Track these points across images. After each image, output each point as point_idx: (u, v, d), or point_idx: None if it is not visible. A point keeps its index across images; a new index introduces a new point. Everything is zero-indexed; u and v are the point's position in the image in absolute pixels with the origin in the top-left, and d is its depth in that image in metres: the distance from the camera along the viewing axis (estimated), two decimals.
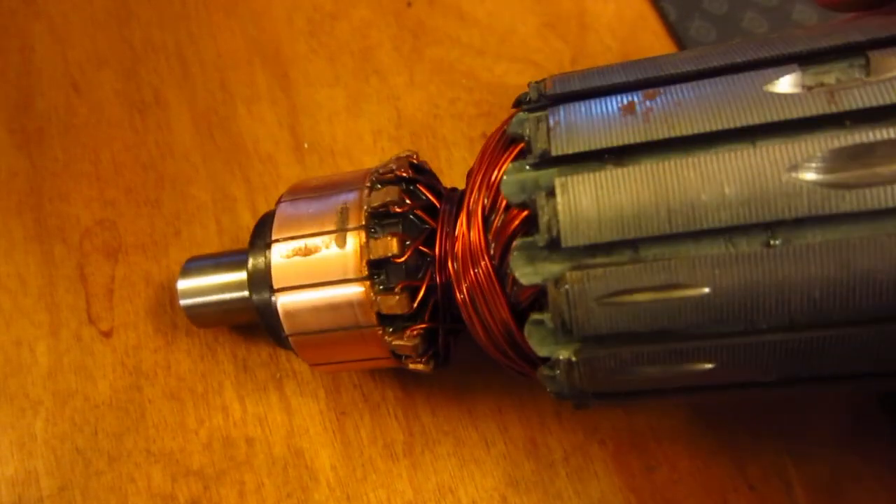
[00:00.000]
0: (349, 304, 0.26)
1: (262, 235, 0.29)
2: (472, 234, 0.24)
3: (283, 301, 0.27)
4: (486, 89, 0.38)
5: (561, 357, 0.22)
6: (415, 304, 0.26)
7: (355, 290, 0.26)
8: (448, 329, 0.28)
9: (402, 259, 0.26)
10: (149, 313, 0.34)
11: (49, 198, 0.37)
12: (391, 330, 0.27)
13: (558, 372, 0.23)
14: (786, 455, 0.30)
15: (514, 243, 0.22)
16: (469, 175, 0.26)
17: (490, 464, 0.31)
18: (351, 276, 0.26)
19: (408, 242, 0.26)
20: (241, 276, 0.30)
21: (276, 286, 0.27)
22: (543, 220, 0.21)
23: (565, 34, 0.39)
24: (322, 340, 0.27)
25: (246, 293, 0.29)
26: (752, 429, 0.31)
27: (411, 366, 0.28)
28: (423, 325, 0.26)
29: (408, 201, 0.27)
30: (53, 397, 0.33)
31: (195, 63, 0.40)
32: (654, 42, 0.37)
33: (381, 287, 0.26)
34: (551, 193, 0.21)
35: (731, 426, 0.31)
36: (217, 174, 0.37)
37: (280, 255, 0.27)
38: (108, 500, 0.31)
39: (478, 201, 0.24)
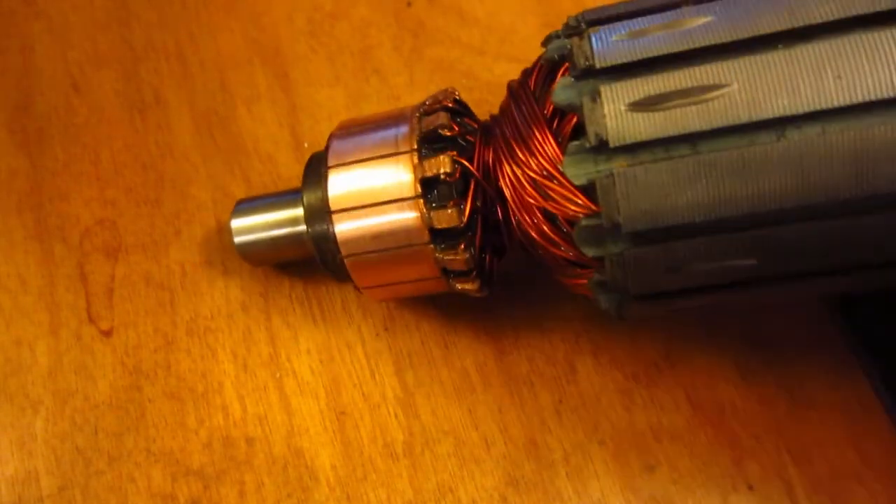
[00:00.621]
0: (403, 223, 0.28)
1: (315, 170, 0.30)
2: (525, 133, 0.26)
3: (339, 224, 0.28)
4: (486, 89, 0.38)
5: (612, 251, 0.24)
6: (464, 218, 0.27)
7: (409, 208, 0.28)
8: (494, 248, 0.29)
9: (454, 177, 0.27)
10: (149, 313, 0.34)
11: (49, 197, 0.37)
12: (442, 246, 0.28)
13: (610, 266, 0.24)
14: (786, 455, 0.30)
15: (567, 148, 0.24)
16: (510, 100, 0.28)
17: (490, 463, 0.31)
18: (406, 195, 0.28)
19: (456, 164, 0.28)
20: (296, 211, 0.31)
21: (333, 208, 0.28)
22: (590, 124, 0.23)
23: None
24: (376, 260, 0.29)
25: (301, 227, 0.31)
26: (752, 429, 0.31)
27: (459, 286, 0.29)
28: (473, 238, 0.28)
29: (455, 126, 0.28)
30: (53, 397, 0.33)
31: (195, 63, 0.40)
32: None
33: (433, 204, 0.28)
34: (594, 99, 0.23)
35: (731, 426, 0.31)
36: (217, 174, 0.37)
37: (336, 180, 0.29)
38: (108, 499, 0.31)
39: (527, 116, 0.26)
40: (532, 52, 0.40)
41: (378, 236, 0.28)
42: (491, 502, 0.30)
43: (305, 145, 0.37)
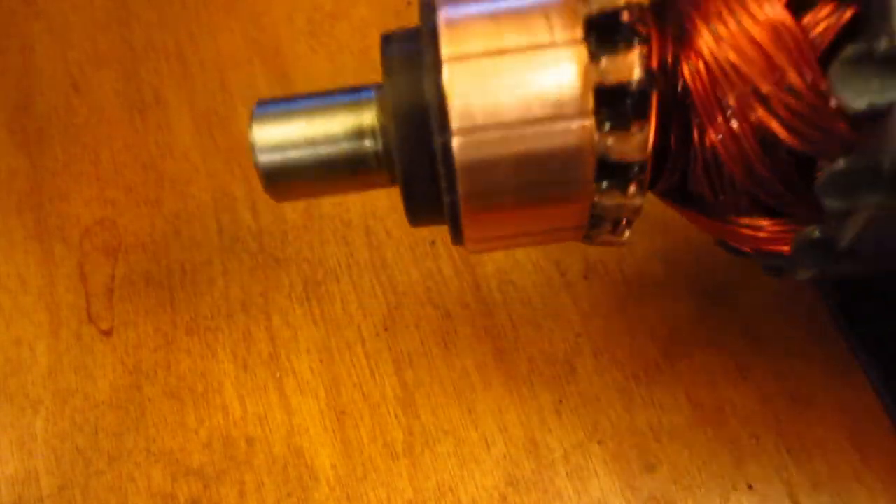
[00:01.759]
0: (562, 150, 0.19)
1: (409, 58, 0.20)
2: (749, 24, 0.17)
3: (464, 147, 0.19)
4: None
5: (867, 203, 0.16)
6: (650, 147, 0.19)
7: (575, 130, 0.19)
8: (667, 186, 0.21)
9: (642, 86, 0.18)
10: (149, 312, 0.34)
11: (49, 197, 0.37)
12: (606, 185, 0.20)
13: (854, 223, 0.17)
14: (786, 455, 0.30)
15: (842, 54, 0.16)
16: None
17: (490, 463, 0.31)
18: (569, 110, 0.19)
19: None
20: (363, 117, 0.21)
21: (456, 125, 0.19)
22: None
23: None
24: (507, 202, 0.20)
25: (372, 142, 0.21)
26: (752, 428, 0.31)
27: (604, 238, 0.22)
28: (645, 172, 0.19)
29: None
30: (53, 396, 0.33)
31: (195, 63, 0.40)
32: None
33: (608, 125, 0.19)
34: None
35: (731, 426, 0.31)
36: (217, 174, 0.37)
37: (458, 80, 0.19)
38: (109, 499, 0.31)
39: None
40: None
41: (519, 169, 0.19)
42: (491, 502, 0.30)
43: None
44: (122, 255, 0.36)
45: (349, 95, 0.22)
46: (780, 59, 0.17)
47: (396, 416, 0.32)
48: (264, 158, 0.22)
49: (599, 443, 0.31)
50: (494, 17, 0.19)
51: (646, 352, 0.32)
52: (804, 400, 0.31)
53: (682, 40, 0.19)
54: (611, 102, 0.19)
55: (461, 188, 0.20)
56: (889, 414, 0.30)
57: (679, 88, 0.19)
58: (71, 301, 0.35)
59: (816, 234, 0.19)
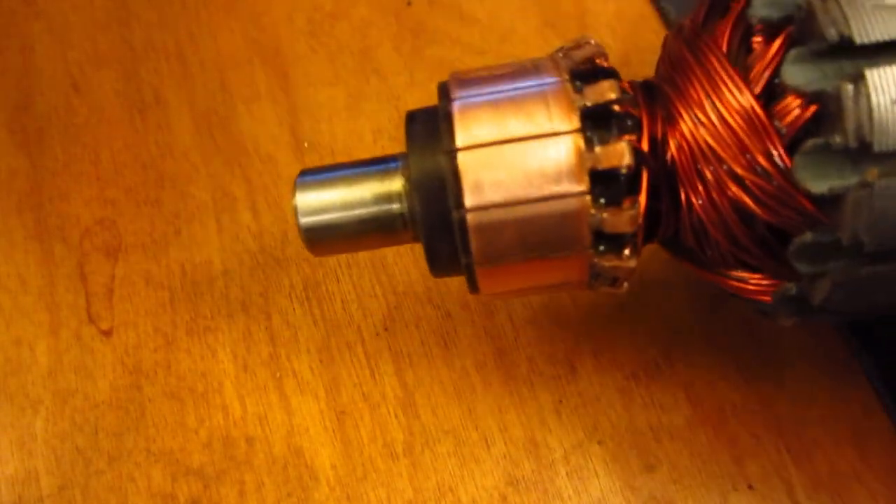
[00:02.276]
0: (561, 223, 0.22)
1: (431, 138, 0.23)
2: (731, 114, 0.20)
3: (476, 219, 0.22)
4: None
5: (833, 269, 0.19)
6: (640, 220, 0.22)
7: (573, 206, 0.22)
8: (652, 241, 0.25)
9: (631, 170, 0.21)
10: (149, 312, 0.34)
11: (49, 197, 0.37)
12: (602, 250, 0.23)
13: (824, 284, 0.20)
14: (786, 455, 0.30)
15: (803, 146, 0.19)
16: (675, 67, 0.22)
17: (490, 463, 0.31)
18: (568, 190, 0.22)
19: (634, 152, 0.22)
20: (390, 185, 0.24)
21: (469, 204, 0.22)
22: (849, 119, 0.18)
23: (565, 34, 0.39)
24: (515, 265, 0.23)
25: (398, 205, 0.24)
26: (752, 428, 0.31)
27: (604, 290, 0.25)
28: (637, 238, 0.22)
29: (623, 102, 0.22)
30: (53, 396, 0.33)
31: (195, 63, 0.40)
32: (655, 42, 0.37)
33: (602, 202, 0.22)
34: (857, 86, 0.18)
35: (731, 426, 0.31)
36: (217, 174, 0.37)
37: (471, 164, 0.22)
38: (108, 499, 0.31)
39: (722, 83, 0.20)
40: (532, 51, 0.40)
41: (524, 239, 0.22)
42: (491, 502, 0.30)
43: (305, 145, 0.37)
44: (122, 255, 0.36)
45: (378, 166, 0.25)
46: (751, 144, 0.20)
47: (396, 416, 0.32)
48: (306, 220, 0.25)
49: (599, 443, 0.31)
50: (501, 106, 0.23)
51: (646, 352, 0.32)
52: (804, 400, 0.31)
53: (670, 120, 0.22)
54: (604, 182, 0.22)
55: (475, 251, 0.23)
56: (889, 414, 0.30)
57: (668, 160, 0.22)
58: (71, 301, 0.35)
59: (793, 291, 0.21)
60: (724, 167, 0.21)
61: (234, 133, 0.38)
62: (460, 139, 0.22)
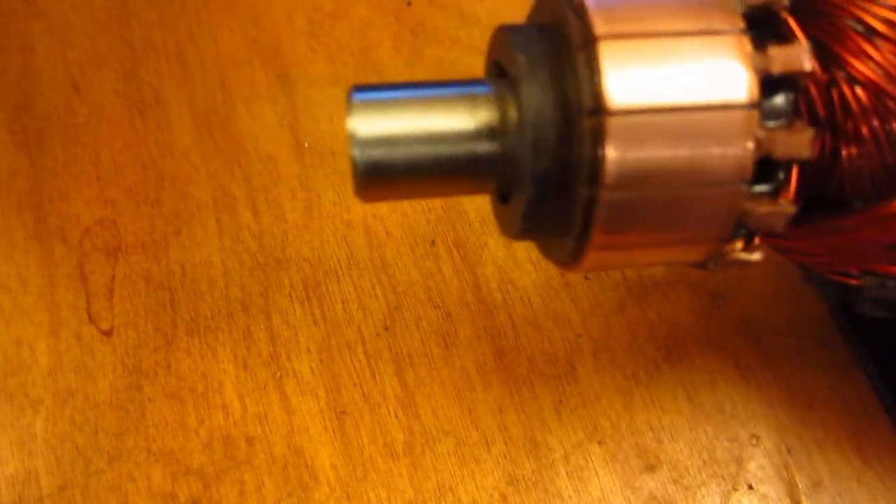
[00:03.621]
0: (723, 144, 0.17)
1: (546, 41, 0.18)
2: None
3: (614, 140, 0.17)
4: None
5: None
6: (815, 148, 0.18)
7: (738, 122, 0.17)
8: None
9: (807, 82, 0.18)
10: (149, 312, 0.34)
11: (49, 197, 0.37)
12: (758, 191, 0.18)
13: None
14: (786, 454, 0.30)
15: None
16: None
17: (490, 463, 0.31)
18: (734, 99, 0.17)
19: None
20: (484, 116, 0.19)
21: (611, 107, 0.17)
22: None
23: None
24: (648, 204, 0.18)
25: (489, 144, 0.19)
26: (751, 428, 0.31)
27: (739, 255, 0.19)
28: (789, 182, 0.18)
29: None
30: (53, 396, 0.33)
31: (195, 63, 0.40)
32: None
33: (770, 121, 0.18)
34: None
35: (731, 426, 0.31)
36: (217, 173, 0.37)
37: (614, 62, 0.17)
38: (109, 499, 0.31)
39: None
40: None
41: (672, 165, 0.17)
42: (491, 501, 0.30)
43: (305, 145, 0.37)
44: (122, 255, 0.36)
45: (462, 88, 0.19)
46: None
47: (396, 416, 0.32)
48: (366, 153, 0.19)
49: (599, 443, 0.31)
50: (665, 57, 0.17)
51: (646, 352, 0.32)
52: (804, 400, 0.31)
53: (845, 47, 0.18)
54: (767, 97, 0.18)
55: (607, 180, 0.17)
56: (889, 414, 0.30)
57: (834, 98, 0.18)
58: (71, 301, 0.35)
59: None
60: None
61: (234, 133, 0.38)
62: (599, 27, 0.17)
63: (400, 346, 0.33)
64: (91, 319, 0.35)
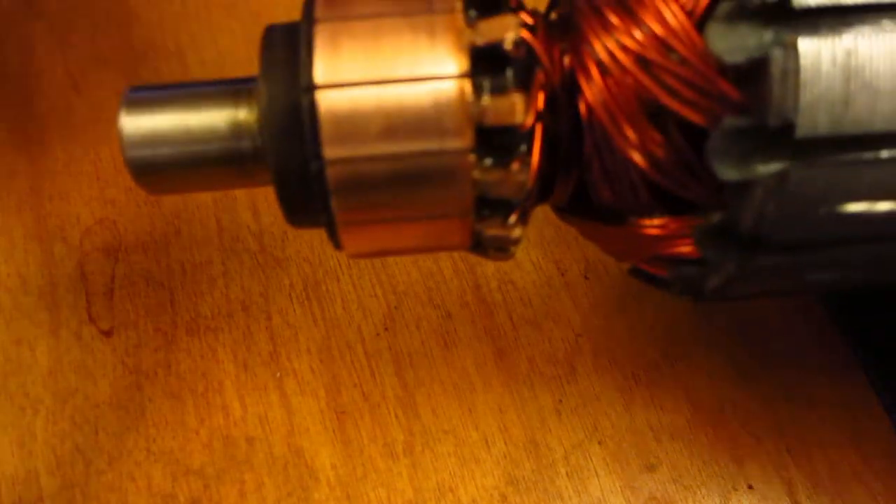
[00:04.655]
0: (440, 183, 0.18)
1: (289, 66, 0.19)
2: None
3: (336, 174, 0.18)
4: None
5: (764, 171, 0.16)
6: (531, 115, 0.18)
7: (449, 90, 0.18)
8: (543, 181, 0.20)
9: (518, 53, 0.18)
10: (149, 312, 0.34)
11: (49, 197, 0.37)
12: (487, 161, 0.19)
13: (756, 194, 0.16)
14: (786, 455, 0.30)
15: (716, 12, 0.16)
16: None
17: (490, 463, 0.31)
18: (444, 71, 0.18)
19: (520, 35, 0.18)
20: (237, 112, 0.20)
21: (328, 155, 0.18)
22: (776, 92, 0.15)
23: None
24: (385, 227, 0.20)
25: (248, 142, 0.20)
26: (751, 428, 0.31)
27: (493, 230, 0.20)
28: (529, 153, 0.19)
29: None
30: (53, 396, 0.33)
31: (195, 63, 0.40)
32: None
33: (483, 87, 0.18)
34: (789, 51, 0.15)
35: (731, 426, 0.31)
36: None
37: (335, 104, 0.18)
38: (109, 499, 0.31)
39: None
40: None
41: (395, 199, 0.19)
42: (491, 501, 0.30)
43: None
44: (122, 255, 0.36)
45: (227, 86, 0.21)
46: (664, 31, 0.17)
47: (396, 416, 0.32)
48: (133, 153, 0.20)
49: (599, 443, 0.31)
50: (377, 35, 0.18)
51: (646, 352, 0.32)
52: (804, 400, 0.31)
53: (575, 40, 0.19)
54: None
55: (335, 208, 0.19)
56: (889, 414, 0.30)
57: (576, 105, 0.19)
58: (71, 301, 0.35)
59: (716, 217, 0.18)
60: (634, 55, 0.17)
61: None
62: (321, 74, 0.18)
63: (400, 346, 0.33)
64: (91, 319, 0.35)
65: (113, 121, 0.38)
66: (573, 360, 0.32)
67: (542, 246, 0.34)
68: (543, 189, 0.21)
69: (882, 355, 0.31)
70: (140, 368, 0.34)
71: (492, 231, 0.20)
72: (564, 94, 0.19)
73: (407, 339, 0.33)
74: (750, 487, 0.30)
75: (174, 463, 0.32)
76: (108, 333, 0.34)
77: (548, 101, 0.19)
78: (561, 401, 0.32)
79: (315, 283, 0.35)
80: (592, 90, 0.18)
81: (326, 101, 0.18)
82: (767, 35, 0.16)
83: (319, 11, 0.19)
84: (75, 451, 0.32)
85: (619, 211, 0.21)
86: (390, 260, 0.35)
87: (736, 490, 0.30)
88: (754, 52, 0.16)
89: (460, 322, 0.33)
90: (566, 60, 0.19)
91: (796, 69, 0.15)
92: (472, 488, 0.31)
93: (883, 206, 0.16)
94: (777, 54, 0.15)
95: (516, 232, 0.20)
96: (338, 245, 0.21)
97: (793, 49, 0.15)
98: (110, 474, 0.32)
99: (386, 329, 0.34)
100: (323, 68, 0.18)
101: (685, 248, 0.20)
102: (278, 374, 0.33)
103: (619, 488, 0.30)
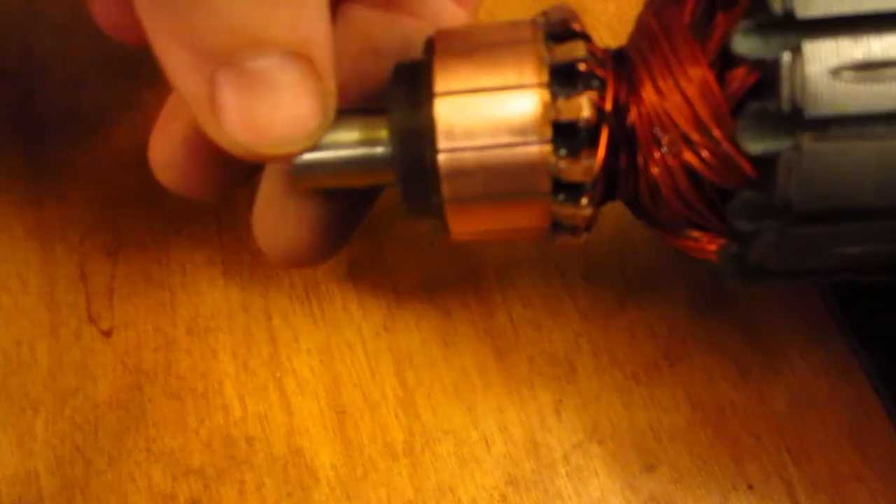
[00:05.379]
0: (524, 168, 0.24)
1: (413, 87, 0.25)
2: (680, 76, 0.22)
3: (447, 160, 0.24)
4: None
5: (768, 228, 0.21)
6: (597, 172, 0.24)
7: (534, 153, 0.23)
8: (605, 198, 0.26)
9: (590, 123, 0.23)
10: (149, 312, 0.34)
11: (49, 197, 0.37)
12: (561, 198, 0.24)
13: (762, 243, 0.21)
14: (786, 454, 0.30)
15: (744, 110, 0.20)
16: (643, 37, 0.24)
17: (490, 463, 0.31)
18: (531, 137, 0.23)
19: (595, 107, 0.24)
20: (376, 132, 0.26)
21: (441, 146, 0.24)
22: (787, 86, 0.19)
23: None
24: (481, 205, 0.25)
25: (381, 150, 0.26)
26: (752, 428, 0.31)
27: (564, 238, 0.26)
28: (596, 191, 0.24)
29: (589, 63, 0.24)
30: (53, 396, 0.33)
31: None
32: None
33: (562, 152, 0.23)
34: (795, 56, 0.19)
35: (731, 426, 0.31)
36: None
37: (446, 109, 0.24)
38: (109, 499, 0.31)
39: (680, 52, 0.22)
40: None
41: (490, 182, 0.24)
42: (491, 502, 0.30)
43: None
44: (122, 255, 0.36)
45: (365, 113, 0.26)
46: (703, 110, 0.21)
47: (396, 416, 0.32)
48: (300, 159, 0.26)
49: (599, 443, 0.31)
50: (477, 59, 0.24)
51: (646, 352, 0.32)
52: (804, 400, 0.31)
53: (633, 86, 0.23)
54: (566, 135, 0.23)
55: (444, 191, 0.24)
56: (889, 414, 0.30)
57: (628, 124, 0.23)
58: (71, 301, 0.35)
59: (734, 249, 0.23)
60: (679, 132, 0.22)
61: None
62: (439, 87, 0.24)
63: (400, 346, 0.33)
64: (91, 319, 0.35)
65: (113, 121, 0.38)
66: (573, 360, 0.32)
67: (542, 246, 0.34)
68: (609, 186, 0.25)
69: (883, 356, 0.31)
70: (140, 368, 0.34)
71: (566, 211, 0.24)
72: (624, 106, 0.24)
73: (407, 339, 0.33)
74: (750, 487, 0.30)
75: (174, 463, 0.32)
76: (107, 333, 0.34)
77: (614, 107, 0.24)
78: (561, 401, 0.32)
79: (315, 283, 0.35)
80: (641, 111, 0.23)
81: (441, 106, 0.24)
82: (783, 138, 0.20)
83: (437, 44, 0.25)
84: (75, 451, 0.32)
85: (662, 220, 0.25)
86: (390, 260, 0.35)
87: (736, 490, 0.30)
88: (769, 147, 0.20)
89: (460, 322, 0.33)
90: (621, 95, 0.24)
91: (799, 168, 0.20)
92: (472, 488, 0.31)
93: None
94: (789, 157, 0.20)
95: (586, 211, 0.24)
96: (446, 229, 0.26)
97: (798, 150, 0.20)
98: (110, 474, 0.32)
99: (386, 329, 0.34)
100: (440, 82, 0.24)
101: (712, 258, 0.24)
102: (278, 375, 0.33)
103: (619, 488, 0.30)
